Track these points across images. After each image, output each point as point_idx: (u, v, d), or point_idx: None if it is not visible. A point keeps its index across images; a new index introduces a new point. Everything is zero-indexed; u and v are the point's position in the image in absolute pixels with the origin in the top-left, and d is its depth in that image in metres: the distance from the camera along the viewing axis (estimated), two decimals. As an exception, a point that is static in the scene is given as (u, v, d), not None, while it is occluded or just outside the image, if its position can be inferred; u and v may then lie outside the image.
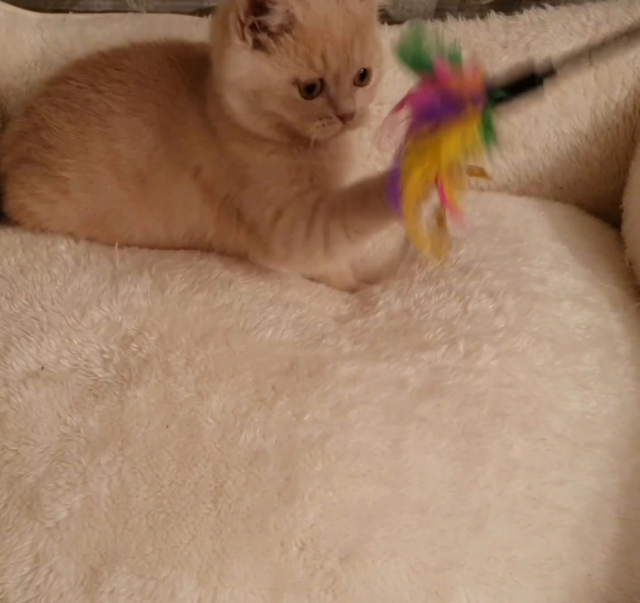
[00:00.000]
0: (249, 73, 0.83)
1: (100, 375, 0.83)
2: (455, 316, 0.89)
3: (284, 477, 0.75)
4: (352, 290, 1.02)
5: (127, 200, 0.98)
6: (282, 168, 0.91)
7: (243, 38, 0.82)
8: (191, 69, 0.96)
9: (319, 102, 0.84)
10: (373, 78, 0.87)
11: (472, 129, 0.66)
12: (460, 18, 1.18)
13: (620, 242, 1.10)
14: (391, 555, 0.72)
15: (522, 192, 1.21)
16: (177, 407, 0.80)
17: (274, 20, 0.80)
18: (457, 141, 0.67)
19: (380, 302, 0.94)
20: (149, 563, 0.71)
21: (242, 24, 0.81)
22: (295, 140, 0.88)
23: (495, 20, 1.17)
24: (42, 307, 0.88)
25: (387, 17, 1.29)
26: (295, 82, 0.83)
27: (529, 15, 1.17)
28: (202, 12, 1.25)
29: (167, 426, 0.78)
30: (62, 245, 0.98)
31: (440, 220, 0.73)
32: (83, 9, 1.28)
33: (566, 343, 0.87)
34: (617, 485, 0.79)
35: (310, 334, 0.89)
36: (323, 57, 0.82)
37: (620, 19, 1.14)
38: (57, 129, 0.97)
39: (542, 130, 1.16)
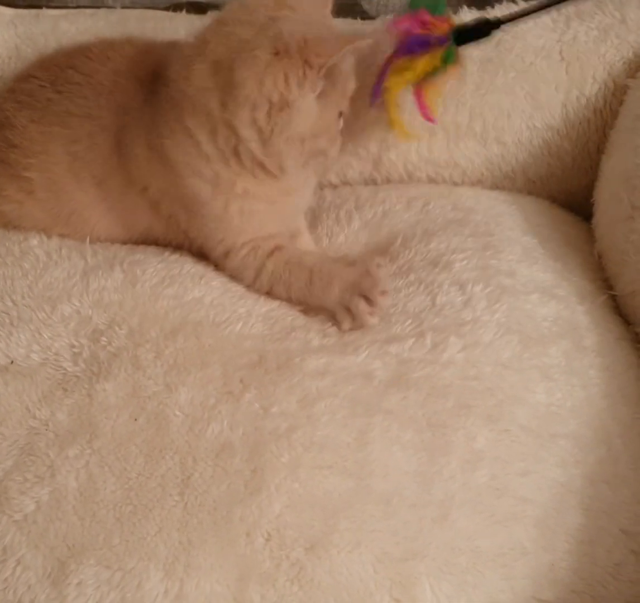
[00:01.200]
0: (314, 121, 0.86)
1: (69, 369, 0.84)
2: (424, 309, 0.90)
3: (250, 469, 0.75)
4: None
5: (87, 202, 0.98)
6: (235, 216, 0.93)
7: (313, 90, 0.84)
8: (145, 86, 0.95)
9: (340, 122, 0.93)
10: None
11: (438, 56, 0.98)
12: (433, 13, 1.18)
13: (591, 235, 1.11)
14: (356, 545, 0.72)
15: (495, 186, 1.22)
16: (146, 400, 0.80)
17: (339, 75, 0.87)
18: (428, 61, 0.98)
19: (351, 297, 0.94)
20: (116, 554, 0.71)
21: (318, 78, 0.83)
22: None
23: (468, 14, 1.17)
24: (13, 301, 0.88)
25: (362, 13, 1.30)
26: (340, 115, 0.91)
27: (500, 10, 1.17)
28: (176, 7, 1.25)
29: (136, 419, 0.79)
30: (34, 240, 0.98)
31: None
32: (59, 5, 1.28)
33: (533, 336, 0.88)
34: (581, 476, 0.79)
35: (280, 328, 0.90)
36: (351, 86, 0.90)
37: (591, 14, 1.15)
38: (21, 127, 0.97)
39: (514, 124, 1.16)
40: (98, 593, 0.69)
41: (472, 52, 1.15)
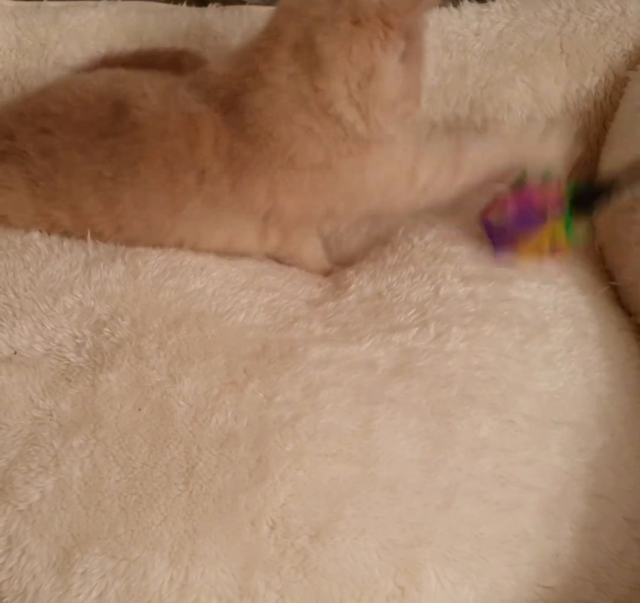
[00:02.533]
0: (401, 82, 0.87)
1: (72, 360, 0.84)
2: (427, 299, 0.90)
3: (255, 458, 0.75)
4: (326, 274, 1.02)
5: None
6: (396, 151, 0.93)
7: (397, 50, 0.85)
8: (193, 135, 0.90)
9: None
10: None
11: (558, 228, 0.93)
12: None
13: (591, 226, 1.11)
14: (361, 532, 0.73)
15: (495, 178, 1.22)
16: (149, 391, 0.80)
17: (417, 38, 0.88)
18: (549, 236, 0.93)
19: (353, 285, 0.94)
20: (121, 544, 0.71)
21: (399, 38, 0.84)
22: None
23: (468, 7, 1.18)
24: (15, 293, 0.88)
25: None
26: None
27: (501, 3, 1.18)
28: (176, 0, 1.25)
29: (139, 409, 0.79)
30: (36, 233, 0.97)
31: None
32: (59, -3, 1.28)
33: (535, 325, 0.88)
34: (585, 464, 0.80)
35: (282, 317, 0.90)
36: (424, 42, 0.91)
37: (591, 7, 1.15)
38: (44, 172, 0.93)
39: (514, 117, 1.17)
40: (103, 582, 0.70)
41: (473, 45, 1.16)
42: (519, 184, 0.95)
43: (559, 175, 0.95)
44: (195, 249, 0.96)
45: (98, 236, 0.95)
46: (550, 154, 0.95)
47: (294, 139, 0.87)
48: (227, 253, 0.97)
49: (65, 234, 0.96)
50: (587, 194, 0.94)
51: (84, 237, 0.95)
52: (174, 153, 0.89)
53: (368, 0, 0.83)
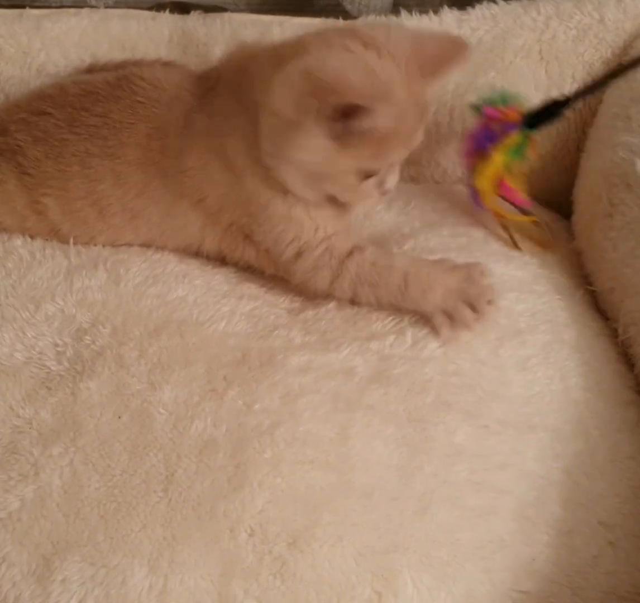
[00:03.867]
0: (317, 159, 0.83)
1: (53, 368, 0.84)
2: (404, 307, 0.91)
3: (233, 465, 0.76)
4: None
5: (110, 229, 0.99)
6: (305, 217, 0.91)
7: (320, 127, 0.80)
8: (174, 108, 0.93)
9: (371, 182, 0.87)
10: None
11: (511, 144, 1.01)
12: (414, 13, 1.20)
13: (570, 232, 1.12)
14: (338, 539, 0.73)
15: (476, 184, 1.23)
16: (130, 398, 0.81)
17: (363, 125, 0.79)
18: (502, 152, 1.01)
19: (332, 294, 0.95)
20: (100, 551, 0.72)
21: (326, 117, 0.79)
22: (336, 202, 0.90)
23: (448, 15, 1.19)
24: (-4, 301, 0.89)
25: (343, 13, 1.31)
26: (359, 172, 0.85)
27: (481, 10, 1.19)
28: (159, 7, 1.25)
29: (119, 417, 0.80)
30: (18, 240, 0.98)
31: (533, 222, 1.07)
32: (42, 5, 1.28)
33: (511, 331, 0.89)
34: (560, 469, 0.81)
35: (263, 326, 0.90)
36: (391, 153, 0.85)
37: (570, 14, 1.16)
38: (35, 160, 0.95)
39: (494, 122, 1.17)
40: (83, 589, 0.70)
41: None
42: (485, 103, 1.05)
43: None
44: (161, 242, 0.99)
45: (83, 223, 0.97)
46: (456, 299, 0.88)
47: (234, 130, 0.89)
48: (187, 251, 1.00)
49: (53, 229, 0.98)
50: (540, 111, 1.00)
51: (68, 234, 0.98)
52: (155, 125, 0.93)
53: (335, 67, 0.77)
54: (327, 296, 0.93)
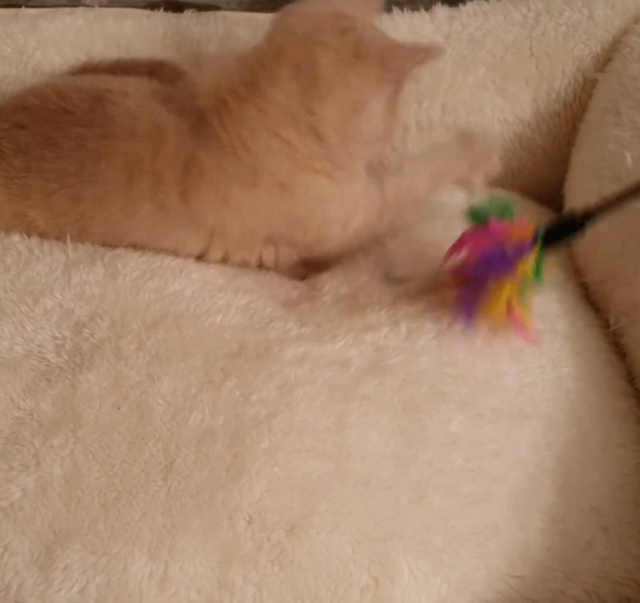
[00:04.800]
0: (380, 122, 0.92)
1: (52, 361, 0.85)
2: (399, 298, 0.92)
3: (231, 455, 0.77)
4: (302, 278, 1.04)
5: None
6: (348, 190, 0.96)
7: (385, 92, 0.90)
8: (160, 147, 0.92)
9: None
10: None
11: (527, 268, 0.82)
12: (405, 10, 1.21)
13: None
14: (335, 526, 0.75)
15: (468, 179, 1.24)
16: (128, 390, 0.82)
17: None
18: (521, 281, 0.83)
19: (327, 287, 0.96)
20: (101, 540, 0.73)
21: (392, 82, 0.89)
22: None
23: (440, 12, 1.20)
24: (-5, 295, 0.90)
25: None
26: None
27: (472, 7, 1.20)
28: (153, 6, 1.26)
29: (119, 408, 0.81)
30: (16, 236, 0.99)
31: None
32: (37, 4, 1.29)
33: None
34: (553, 457, 0.82)
35: (259, 318, 0.91)
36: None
37: (560, 10, 1.17)
38: (19, 170, 0.94)
39: (486, 118, 1.19)
40: (84, 577, 0.71)
41: (445, 66, 1.18)
42: (480, 223, 0.88)
43: (516, 208, 0.91)
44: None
45: (67, 236, 0.97)
46: (469, 165, 0.99)
47: (267, 151, 0.89)
48: None
49: (42, 236, 0.98)
50: (558, 228, 0.84)
51: (59, 239, 0.97)
52: (136, 156, 0.91)
53: (374, 40, 0.88)
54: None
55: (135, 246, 0.97)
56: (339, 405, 0.81)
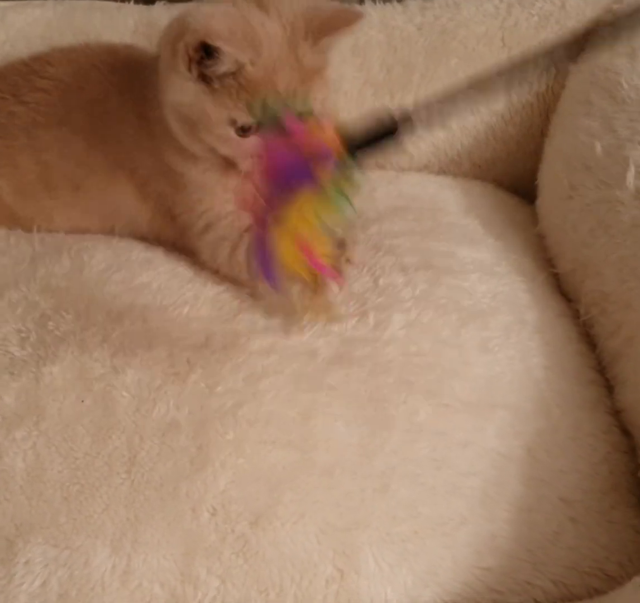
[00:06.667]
0: (190, 101, 0.84)
1: (16, 354, 0.84)
2: (367, 290, 0.92)
3: (196, 446, 0.77)
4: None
5: (59, 206, 1.00)
6: (217, 186, 0.92)
7: (188, 69, 0.82)
8: (122, 74, 0.96)
9: (254, 139, 0.85)
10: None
11: (328, 190, 0.66)
12: (377, 2, 1.20)
13: (535, 217, 1.13)
14: (299, 517, 0.74)
15: (442, 170, 1.24)
16: (93, 382, 0.81)
17: (219, 68, 0.80)
18: (315, 205, 0.66)
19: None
20: (63, 533, 0.72)
21: (190, 58, 0.81)
22: (230, 162, 0.89)
23: (412, 3, 1.20)
24: (-40, 288, 0.89)
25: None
26: (233, 123, 0.84)
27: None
28: (124, -2, 1.26)
29: (83, 401, 0.80)
30: (-18, 230, 0.99)
31: (317, 286, 0.81)
32: (9, -3, 1.28)
33: (472, 312, 0.90)
34: (520, 447, 0.81)
35: (227, 310, 0.91)
36: (263, 105, 0.82)
37: (532, 1, 1.17)
38: None
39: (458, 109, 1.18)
40: (46, 571, 0.71)
41: (417, 41, 1.17)
42: (271, 122, 0.77)
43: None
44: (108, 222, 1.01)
45: (34, 201, 0.98)
46: None
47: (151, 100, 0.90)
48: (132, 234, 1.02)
49: (9, 213, 0.99)
50: (369, 132, 0.67)
51: (24, 216, 0.99)
52: (101, 89, 0.95)
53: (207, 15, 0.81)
54: (229, 274, 0.95)
55: (92, 202, 0.99)
56: (305, 395, 0.81)
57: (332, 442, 0.78)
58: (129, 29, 1.19)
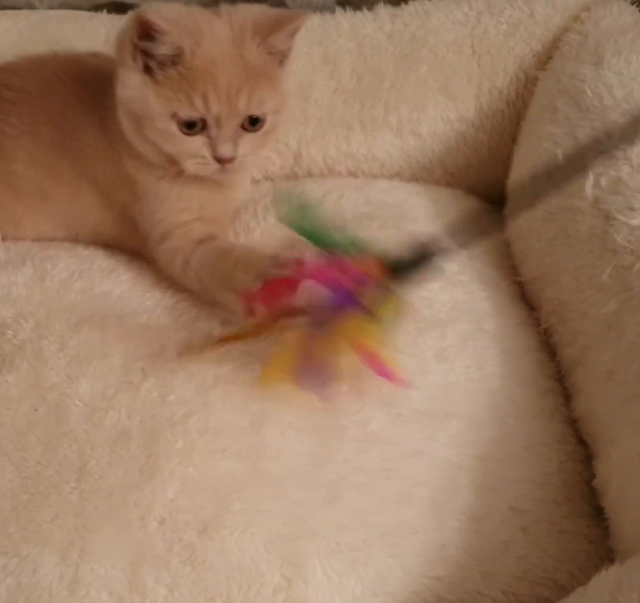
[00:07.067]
0: (135, 95, 0.85)
1: (-26, 363, 0.85)
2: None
3: (145, 455, 0.77)
4: None
5: (28, 213, 1.00)
6: (171, 195, 0.93)
7: (134, 59, 0.83)
8: (85, 84, 0.96)
9: (198, 140, 0.86)
10: (266, 125, 0.88)
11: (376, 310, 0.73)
12: (348, 10, 1.21)
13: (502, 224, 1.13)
14: (247, 526, 0.74)
15: (414, 178, 1.24)
16: (47, 391, 0.82)
17: (159, 49, 0.81)
18: (358, 320, 0.72)
19: (259, 287, 0.96)
20: (12, 541, 0.73)
21: (135, 46, 0.82)
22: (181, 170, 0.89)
23: (382, 11, 1.20)
24: None
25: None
26: (174, 116, 0.84)
27: (414, 6, 1.20)
28: (98, 7, 1.26)
29: (36, 409, 0.81)
30: (-53, 237, 0.99)
31: None
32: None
33: (431, 321, 0.90)
34: (473, 456, 0.81)
35: (185, 319, 0.91)
36: (204, 99, 0.83)
37: (501, 8, 1.17)
38: None
39: (429, 117, 1.19)
40: (-6, 579, 0.71)
41: (387, 49, 1.18)
42: (329, 252, 0.76)
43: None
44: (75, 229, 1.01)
45: (3, 208, 0.99)
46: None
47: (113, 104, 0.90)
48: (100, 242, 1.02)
49: None
50: (407, 263, 0.74)
51: None
52: (67, 101, 0.95)
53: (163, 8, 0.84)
54: (184, 285, 0.94)
55: (60, 211, 1.00)
56: (257, 404, 0.81)
57: (282, 452, 0.79)
58: (101, 38, 1.19)
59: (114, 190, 0.96)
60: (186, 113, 0.84)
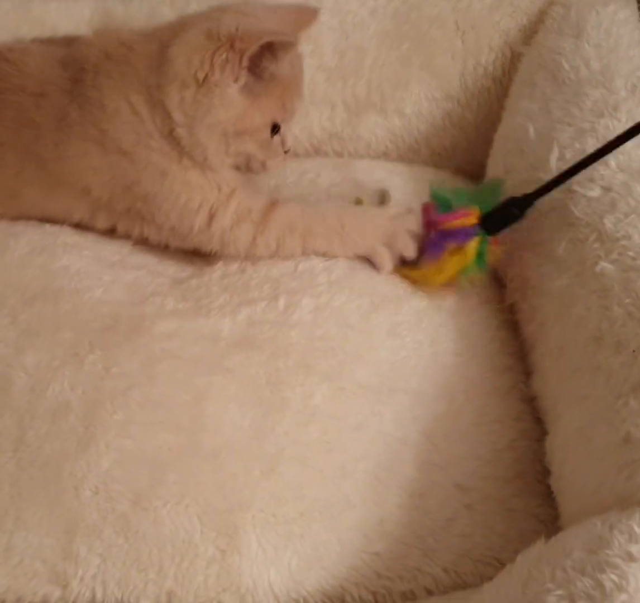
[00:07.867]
0: (236, 114, 0.87)
1: None
2: (285, 274, 0.91)
3: (84, 426, 0.77)
4: None
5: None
6: (203, 180, 0.92)
7: (236, 80, 0.85)
8: (44, 103, 0.93)
9: (277, 139, 0.94)
10: None
11: (469, 252, 0.87)
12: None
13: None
14: (181, 498, 0.74)
15: (400, 158, 1.22)
16: (-8, 363, 0.83)
17: (279, 67, 0.87)
18: (457, 260, 0.88)
19: (220, 263, 0.95)
20: (-53, 510, 0.74)
21: (240, 66, 0.84)
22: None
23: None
24: None
25: None
26: (270, 124, 0.91)
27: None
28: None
29: (-19, 381, 0.81)
30: None
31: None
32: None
33: (387, 297, 0.89)
34: (418, 431, 0.80)
35: (140, 294, 0.91)
36: (291, 102, 0.92)
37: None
38: None
39: (413, 95, 1.16)
40: None
41: (369, 26, 1.16)
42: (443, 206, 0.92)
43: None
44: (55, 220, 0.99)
45: None
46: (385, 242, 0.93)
47: (116, 114, 0.89)
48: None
49: None
50: (499, 212, 0.88)
51: None
52: (23, 110, 0.92)
53: (230, 22, 0.86)
54: (246, 255, 0.94)
55: (31, 211, 0.99)
56: (201, 379, 0.81)
57: (222, 425, 0.78)
58: (85, 19, 1.19)
59: (114, 199, 0.94)
60: (282, 118, 0.90)
